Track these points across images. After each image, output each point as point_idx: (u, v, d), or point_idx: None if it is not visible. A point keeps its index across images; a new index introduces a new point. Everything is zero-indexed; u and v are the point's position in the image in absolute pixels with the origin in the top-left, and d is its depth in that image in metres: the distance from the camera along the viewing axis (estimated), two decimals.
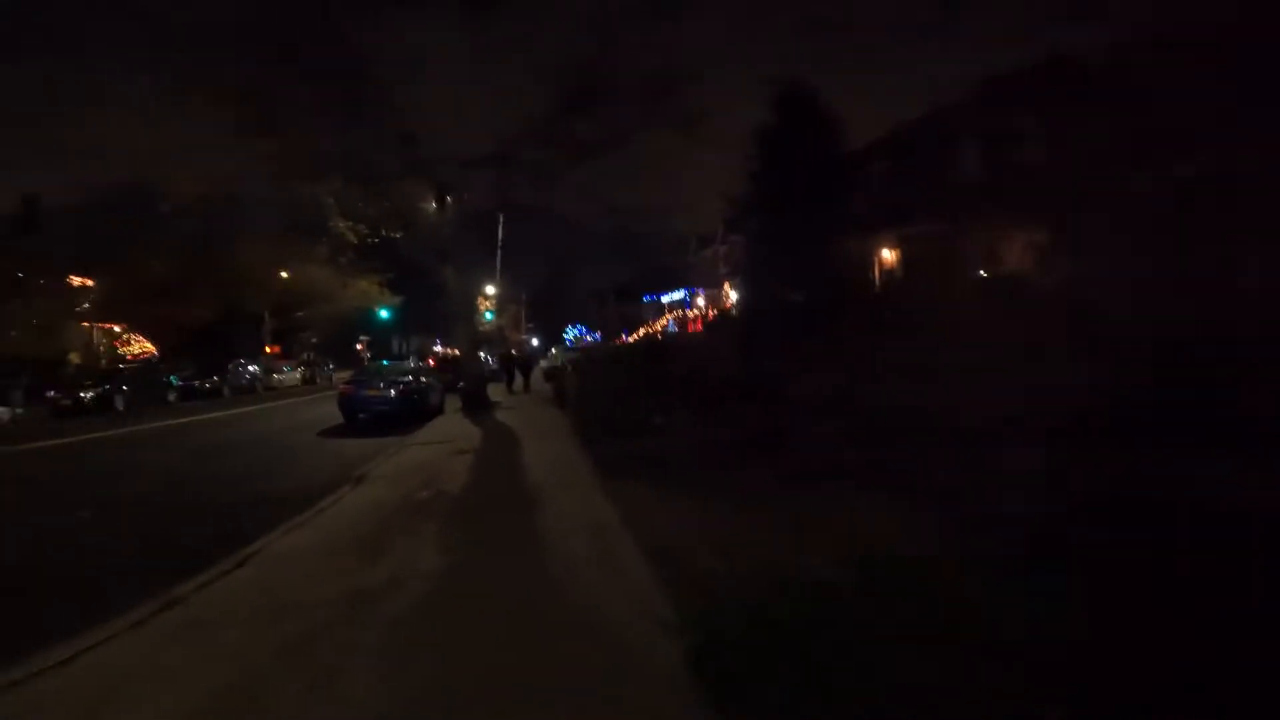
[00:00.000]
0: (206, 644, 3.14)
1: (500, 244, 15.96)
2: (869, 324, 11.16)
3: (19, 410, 19.88)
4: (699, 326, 38.76)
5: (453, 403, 16.24)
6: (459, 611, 3.45)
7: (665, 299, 55.19)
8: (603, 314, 59.13)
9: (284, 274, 35.48)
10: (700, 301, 50.26)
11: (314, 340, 43.82)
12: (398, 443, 10.36)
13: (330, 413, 14.55)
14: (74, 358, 27.28)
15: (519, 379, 22.78)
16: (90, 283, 29.03)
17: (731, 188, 16.69)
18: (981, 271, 14.43)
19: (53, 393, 20.17)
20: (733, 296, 41.78)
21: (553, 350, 36.18)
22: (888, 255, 21.39)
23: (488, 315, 17.81)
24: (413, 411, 13.97)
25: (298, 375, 35.23)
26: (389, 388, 14.17)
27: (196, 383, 25.52)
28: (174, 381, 24.40)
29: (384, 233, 15.54)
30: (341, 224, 15.10)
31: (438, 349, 43.75)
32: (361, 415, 13.87)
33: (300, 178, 14.47)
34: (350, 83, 13.01)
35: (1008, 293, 12.01)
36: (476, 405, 14.99)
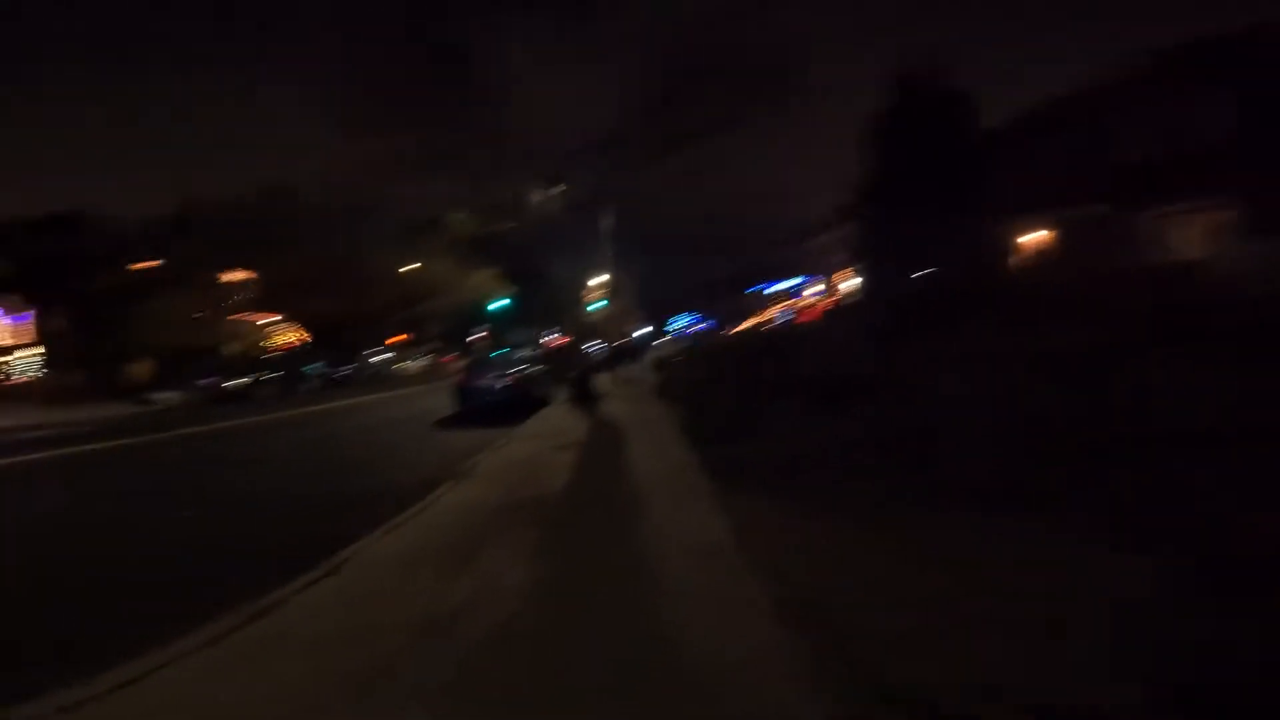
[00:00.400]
0: (271, 673, 2.85)
1: (609, 233, 15.68)
2: (1012, 313, 9.79)
3: (182, 395, 22.30)
4: (812, 315, 37.06)
5: (560, 393, 16.20)
6: (550, 646, 2.95)
7: (775, 287, 53.43)
8: (713, 302, 58.27)
9: (409, 267, 37.51)
10: (811, 290, 48.19)
11: (437, 330, 46.26)
12: (504, 435, 10.26)
13: (445, 402, 14.92)
14: (235, 346, 30.23)
15: (628, 367, 22.66)
16: (252, 275, 31.95)
17: (848, 173, 15.52)
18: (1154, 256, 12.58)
19: (204, 380, 22.38)
20: (845, 285, 39.61)
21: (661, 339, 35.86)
22: (1031, 239, 19.39)
23: (596, 305, 17.63)
24: (521, 402, 14.03)
25: (422, 364, 37.18)
26: (499, 379, 14.41)
27: (331, 372, 27.50)
28: (313, 370, 26.41)
29: (495, 225, 15.71)
30: (456, 217, 15.40)
31: (547, 338, 44.83)
32: (473, 405, 14.13)
33: (415, 172, 14.86)
34: (462, 79, 13.10)
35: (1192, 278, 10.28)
36: (583, 396, 14.82)
